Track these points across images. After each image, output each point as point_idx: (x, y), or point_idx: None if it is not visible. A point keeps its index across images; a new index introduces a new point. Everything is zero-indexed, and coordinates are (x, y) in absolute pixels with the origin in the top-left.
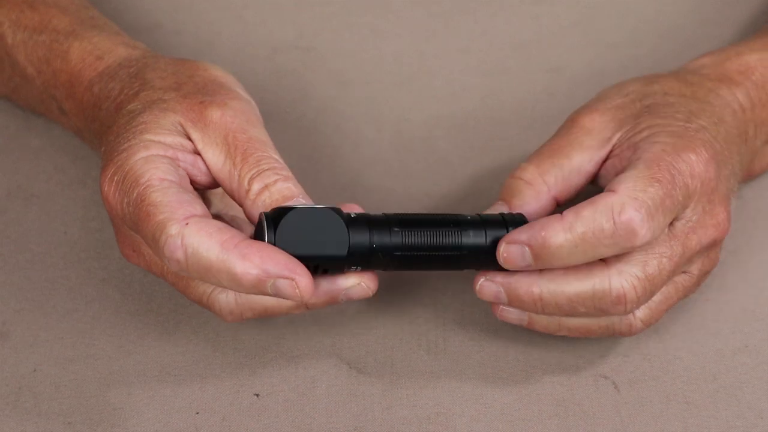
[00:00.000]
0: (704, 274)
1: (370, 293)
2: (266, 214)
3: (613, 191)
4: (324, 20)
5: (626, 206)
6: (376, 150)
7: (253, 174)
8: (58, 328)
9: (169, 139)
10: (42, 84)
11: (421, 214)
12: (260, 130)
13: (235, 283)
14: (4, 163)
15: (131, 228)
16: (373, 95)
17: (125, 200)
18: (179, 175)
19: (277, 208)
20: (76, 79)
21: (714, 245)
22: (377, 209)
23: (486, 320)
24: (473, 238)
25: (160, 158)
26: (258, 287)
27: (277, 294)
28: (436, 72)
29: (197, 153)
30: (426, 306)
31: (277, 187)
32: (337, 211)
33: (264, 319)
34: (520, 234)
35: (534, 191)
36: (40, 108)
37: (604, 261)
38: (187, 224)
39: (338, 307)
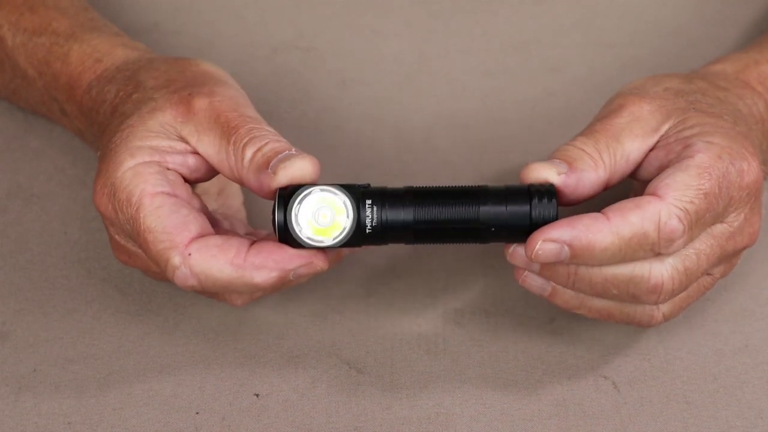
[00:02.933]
0: (720, 278)
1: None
2: (280, 192)
3: (659, 197)
4: (324, 20)
5: (672, 216)
6: (376, 150)
7: (245, 142)
8: (58, 328)
9: (155, 142)
10: (43, 86)
11: (439, 194)
12: (251, 110)
13: (258, 289)
14: (4, 163)
15: (136, 245)
16: (373, 95)
17: (120, 216)
18: (170, 180)
19: (291, 187)
20: (76, 81)
21: (741, 252)
22: None
23: (486, 320)
24: (492, 215)
25: (147, 166)
26: (279, 284)
27: (299, 279)
28: (436, 72)
29: (187, 152)
30: (426, 306)
31: (268, 146)
32: (351, 197)
33: (268, 315)
34: (561, 232)
35: (594, 163)
36: (41, 109)
37: None
38: (189, 254)
39: (338, 307)
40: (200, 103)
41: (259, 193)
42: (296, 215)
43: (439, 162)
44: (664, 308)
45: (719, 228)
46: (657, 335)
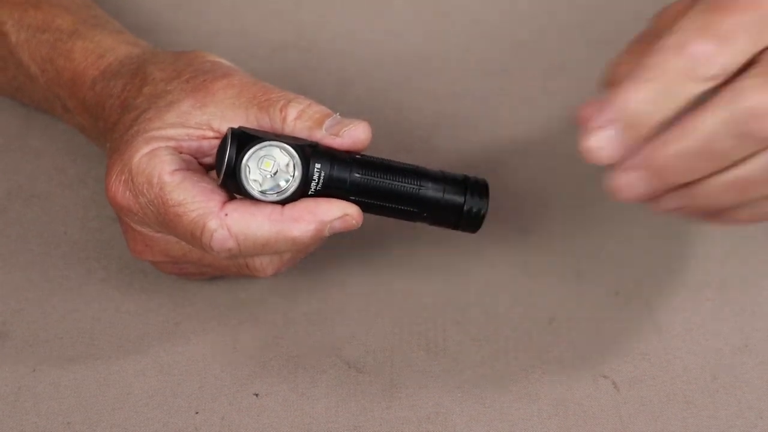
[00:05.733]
0: None
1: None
2: (233, 130)
3: (674, 30)
4: (324, 20)
5: (689, 39)
6: (375, 150)
7: (282, 104)
8: (58, 328)
9: (172, 131)
10: (46, 82)
11: (383, 167)
12: (268, 83)
13: (295, 245)
14: (4, 163)
15: (160, 228)
16: (373, 95)
17: (141, 199)
18: (185, 160)
19: (241, 132)
20: (80, 77)
21: None
22: None
23: (486, 320)
24: (431, 197)
25: (162, 150)
26: (317, 237)
27: (333, 233)
28: (436, 72)
29: (202, 138)
30: (426, 306)
31: (312, 109)
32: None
33: (268, 315)
34: (599, 118)
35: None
36: (44, 106)
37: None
38: (226, 215)
39: (338, 307)
40: (218, 84)
41: None
42: (247, 164)
43: (439, 162)
44: None
45: None
46: (657, 335)
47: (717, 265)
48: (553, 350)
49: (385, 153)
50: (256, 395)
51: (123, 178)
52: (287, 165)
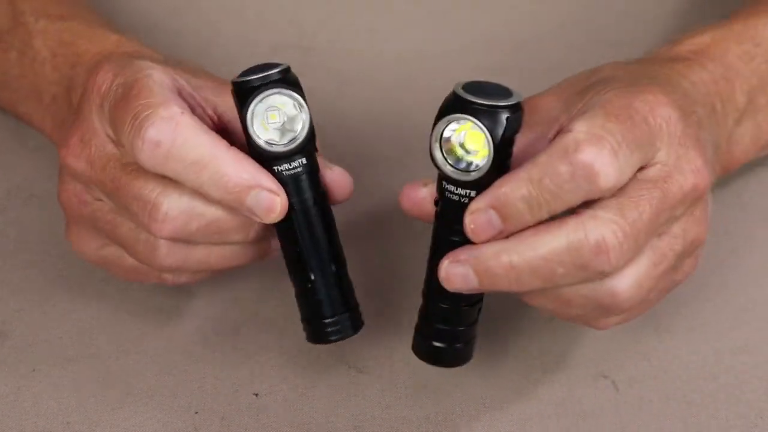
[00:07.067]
0: (694, 243)
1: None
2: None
3: (568, 130)
4: (324, 20)
5: (582, 144)
6: (376, 150)
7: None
8: (58, 328)
9: (182, 77)
10: (54, 67)
11: None
12: None
13: (219, 184)
14: (4, 163)
15: (109, 112)
16: (373, 95)
17: (118, 80)
18: (181, 88)
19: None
20: (106, 58)
21: (697, 198)
22: (377, 209)
23: (486, 320)
24: None
25: (166, 74)
26: (240, 195)
27: (252, 207)
28: (436, 72)
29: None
30: None
31: None
32: None
33: (268, 314)
34: (481, 200)
35: None
36: (25, 103)
37: (574, 211)
38: (182, 113)
39: None
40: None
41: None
42: (254, 110)
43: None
44: (626, 281)
45: (651, 171)
46: (656, 335)
47: (717, 265)
48: (553, 350)
49: (384, 152)
50: (256, 395)
51: (115, 67)
52: (294, 118)
